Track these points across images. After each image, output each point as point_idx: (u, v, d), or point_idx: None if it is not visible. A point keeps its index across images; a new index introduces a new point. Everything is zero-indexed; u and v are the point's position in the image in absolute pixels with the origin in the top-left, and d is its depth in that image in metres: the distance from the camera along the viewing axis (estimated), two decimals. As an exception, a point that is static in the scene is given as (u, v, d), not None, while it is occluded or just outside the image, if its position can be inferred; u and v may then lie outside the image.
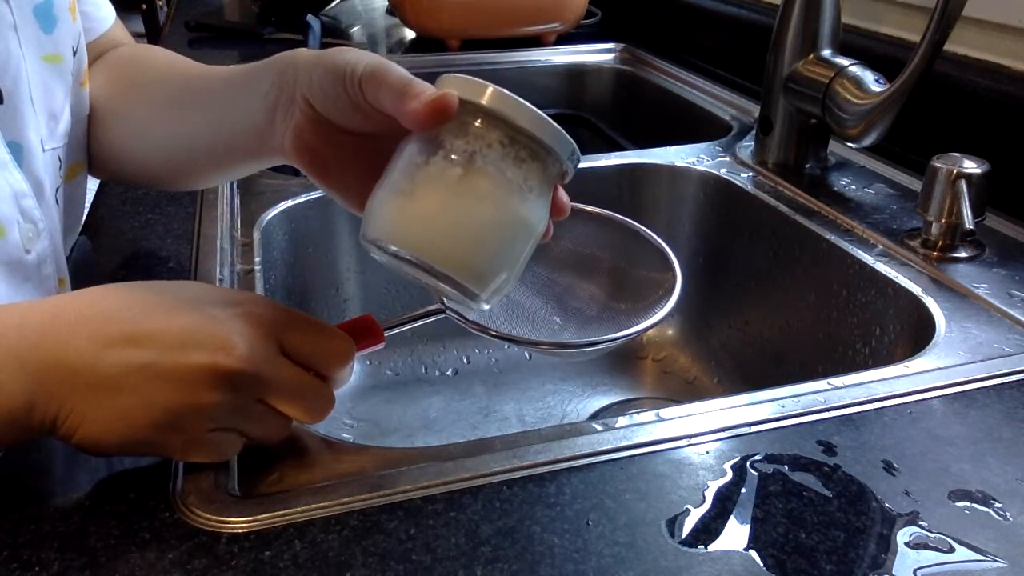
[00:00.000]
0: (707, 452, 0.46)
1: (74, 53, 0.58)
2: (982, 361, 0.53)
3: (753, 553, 0.39)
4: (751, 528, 0.41)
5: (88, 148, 0.63)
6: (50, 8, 0.55)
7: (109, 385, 0.39)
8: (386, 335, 0.48)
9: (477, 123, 0.42)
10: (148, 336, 0.40)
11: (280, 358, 0.42)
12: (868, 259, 0.67)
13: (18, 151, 0.51)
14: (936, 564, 0.39)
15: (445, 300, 0.49)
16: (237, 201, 0.77)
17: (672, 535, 0.40)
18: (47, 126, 0.55)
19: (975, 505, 0.42)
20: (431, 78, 0.43)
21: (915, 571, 0.38)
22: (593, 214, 0.55)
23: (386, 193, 0.43)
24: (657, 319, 0.50)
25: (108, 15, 0.68)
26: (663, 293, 0.52)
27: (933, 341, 0.56)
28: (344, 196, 0.48)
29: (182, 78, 0.60)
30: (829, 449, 0.46)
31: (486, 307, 0.45)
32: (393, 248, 0.42)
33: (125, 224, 0.73)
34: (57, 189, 0.56)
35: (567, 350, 0.52)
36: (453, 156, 0.41)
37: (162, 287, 0.44)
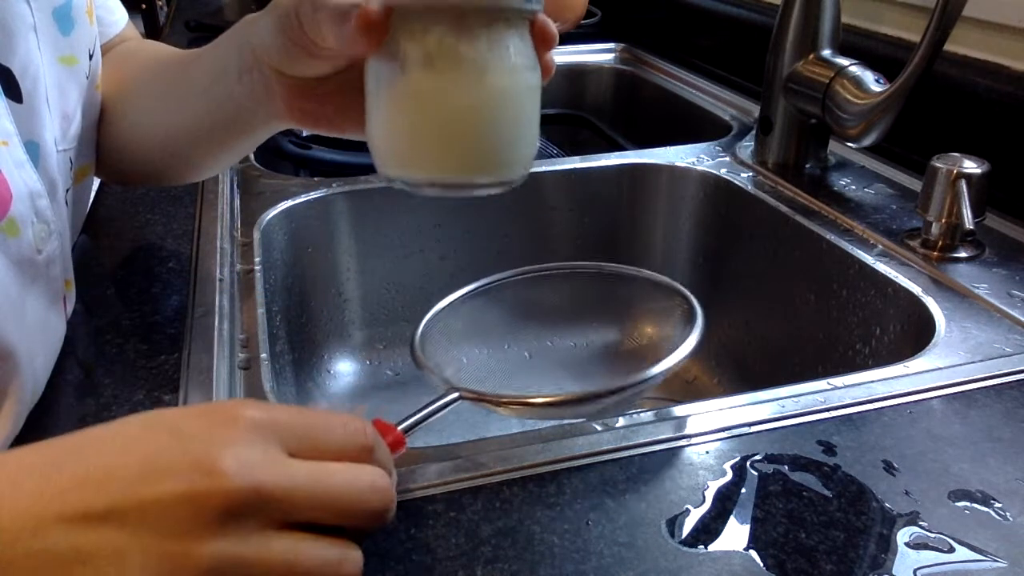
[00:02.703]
0: (707, 452, 0.46)
1: (90, 56, 0.59)
2: (982, 361, 0.53)
3: (753, 553, 0.39)
4: (751, 528, 0.41)
5: (96, 147, 0.63)
6: (69, 11, 0.55)
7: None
8: (406, 436, 0.41)
9: (418, 24, 0.38)
10: (105, 475, 0.30)
11: (287, 459, 0.32)
12: (868, 259, 0.67)
13: (35, 151, 0.51)
14: (936, 564, 0.39)
15: (454, 385, 0.46)
16: (237, 201, 0.77)
17: (672, 535, 0.40)
18: (60, 127, 0.55)
19: (975, 505, 0.42)
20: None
21: (915, 571, 0.38)
22: (592, 271, 0.55)
23: (375, 126, 0.41)
24: (686, 353, 0.46)
25: (120, 18, 0.69)
26: (681, 320, 0.50)
27: (933, 341, 0.56)
28: (358, 134, 0.47)
29: (178, 65, 0.61)
30: (829, 449, 0.46)
31: (522, 179, 0.42)
32: (409, 178, 0.40)
33: (125, 224, 0.73)
34: (67, 190, 0.57)
35: (600, 401, 0.45)
36: (413, 66, 0.38)
37: (120, 420, 0.33)
